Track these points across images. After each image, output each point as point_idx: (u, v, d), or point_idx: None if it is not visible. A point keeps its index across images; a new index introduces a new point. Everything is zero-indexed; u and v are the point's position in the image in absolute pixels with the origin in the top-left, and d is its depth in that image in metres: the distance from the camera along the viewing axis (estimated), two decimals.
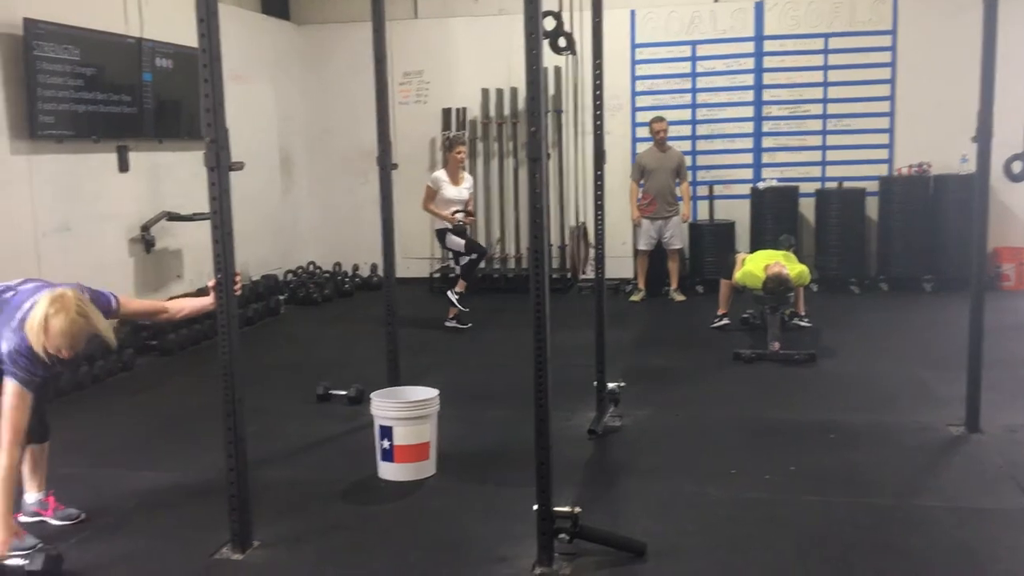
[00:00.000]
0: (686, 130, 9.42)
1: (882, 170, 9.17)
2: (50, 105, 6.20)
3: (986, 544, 3.52)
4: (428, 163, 9.78)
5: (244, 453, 3.50)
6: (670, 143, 8.78)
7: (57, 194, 6.41)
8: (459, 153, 7.55)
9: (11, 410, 3.31)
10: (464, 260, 7.72)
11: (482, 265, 9.69)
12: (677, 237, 8.80)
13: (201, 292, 7.18)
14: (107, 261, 6.93)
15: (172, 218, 7.42)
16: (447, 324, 7.63)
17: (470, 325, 7.65)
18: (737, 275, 6.84)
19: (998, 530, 3.64)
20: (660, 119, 8.69)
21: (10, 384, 3.31)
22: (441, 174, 7.57)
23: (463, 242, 7.61)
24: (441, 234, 7.66)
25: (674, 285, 8.87)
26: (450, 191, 7.51)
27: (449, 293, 7.67)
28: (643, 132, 9.15)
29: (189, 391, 6.02)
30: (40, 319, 3.25)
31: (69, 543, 3.62)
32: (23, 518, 3.74)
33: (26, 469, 3.76)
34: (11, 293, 3.53)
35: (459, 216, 7.52)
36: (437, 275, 9.48)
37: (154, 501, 4.12)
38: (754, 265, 6.67)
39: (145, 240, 7.28)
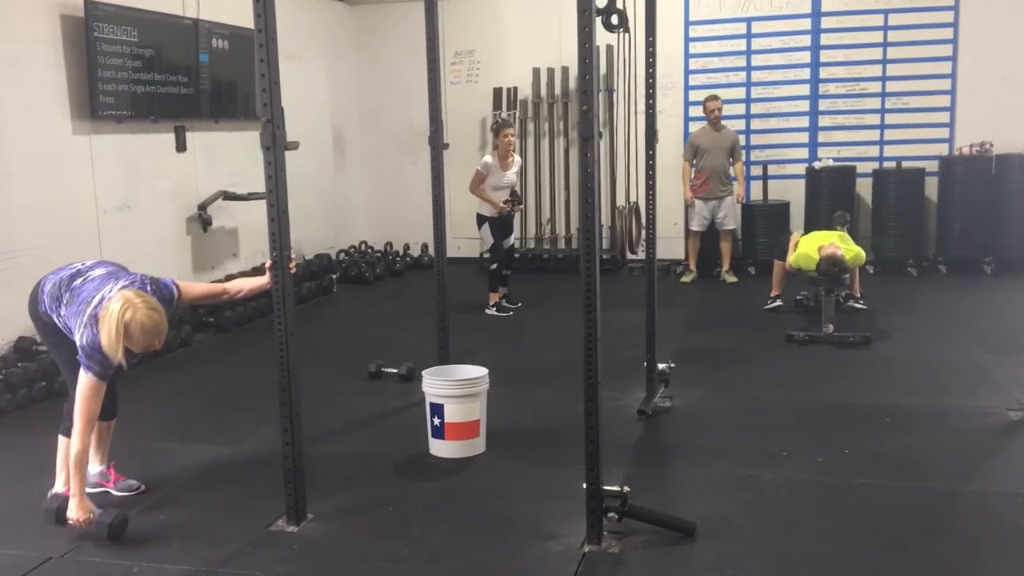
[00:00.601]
0: (740, 109, 9.29)
1: (942, 149, 8.95)
2: (110, 86, 6.33)
3: None
4: (479, 143, 9.80)
5: (299, 428, 3.57)
6: (724, 122, 8.66)
7: (117, 173, 6.55)
8: (507, 137, 7.47)
9: (85, 400, 3.40)
10: (491, 264, 7.69)
11: (532, 246, 9.72)
12: (730, 218, 8.69)
13: (256, 270, 7.34)
14: (165, 239, 7.08)
15: (228, 197, 7.53)
16: (492, 312, 7.59)
17: (512, 312, 7.59)
18: (791, 258, 6.75)
19: None
20: (714, 97, 8.57)
21: (85, 376, 3.39)
22: (490, 159, 7.48)
23: (491, 241, 7.57)
24: (480, 219, 7.61)
25: (726, 266, 8.77)
26: (499, 177, 7.47)
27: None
28: (696, 111, 9.04)
29: (245, 367, 6.14)
30: (117, 329, 3.27)
31: (130, 513, 3.71)
32: (87, 489, 3.85)
33: (92, 442, 3.85)
34: (79, 280, 3.56)
35: (507, 206, 7.50)
36: (487, 254, 9.48)
37: (211, 474, 4.22)
38: (808, 247, 6.58)
39: (202, 219, 7.41)
